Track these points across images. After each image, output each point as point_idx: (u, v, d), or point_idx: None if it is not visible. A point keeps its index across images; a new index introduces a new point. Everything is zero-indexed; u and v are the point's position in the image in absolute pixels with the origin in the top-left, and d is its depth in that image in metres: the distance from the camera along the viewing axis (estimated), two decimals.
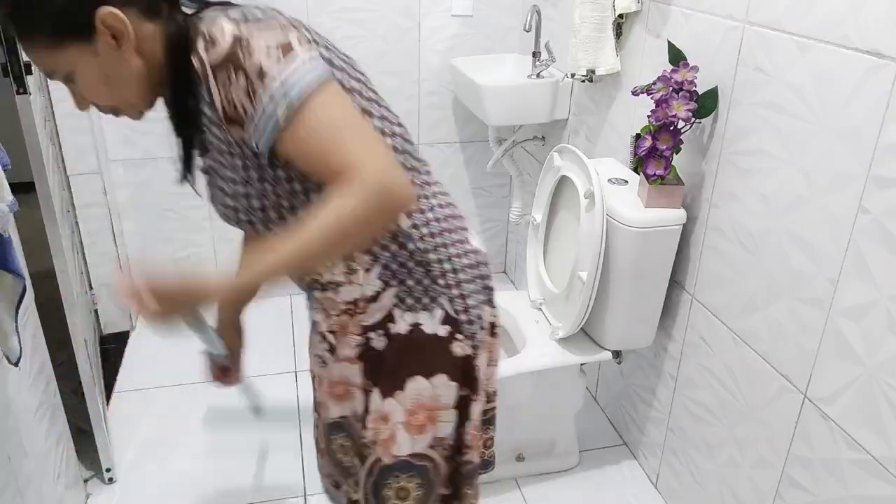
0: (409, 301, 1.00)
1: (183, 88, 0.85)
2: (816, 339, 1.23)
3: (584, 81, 1.93)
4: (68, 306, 1.59)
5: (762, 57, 1.31)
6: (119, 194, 2.37)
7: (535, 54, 2.19)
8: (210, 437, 2.00)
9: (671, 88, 1.44)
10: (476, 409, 1.07)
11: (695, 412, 1.63)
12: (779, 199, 1.30)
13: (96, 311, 2.41)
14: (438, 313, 1.00)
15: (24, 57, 1.37)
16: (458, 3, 2.40)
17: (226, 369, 1.28)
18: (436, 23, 2.41)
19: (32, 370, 1.46)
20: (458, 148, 2.64)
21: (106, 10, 0.79)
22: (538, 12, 2.15)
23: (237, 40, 0.78)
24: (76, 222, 2.26)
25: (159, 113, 0.94)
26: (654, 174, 1.50)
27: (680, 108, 1.43)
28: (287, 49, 0.80)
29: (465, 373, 1.04)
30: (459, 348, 1.02)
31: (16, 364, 1.28)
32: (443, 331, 1.01)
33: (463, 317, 1.02)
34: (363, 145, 0.82)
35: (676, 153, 1.50)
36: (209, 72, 0.79)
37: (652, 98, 1.47)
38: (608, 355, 1.70)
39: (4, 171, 1.22)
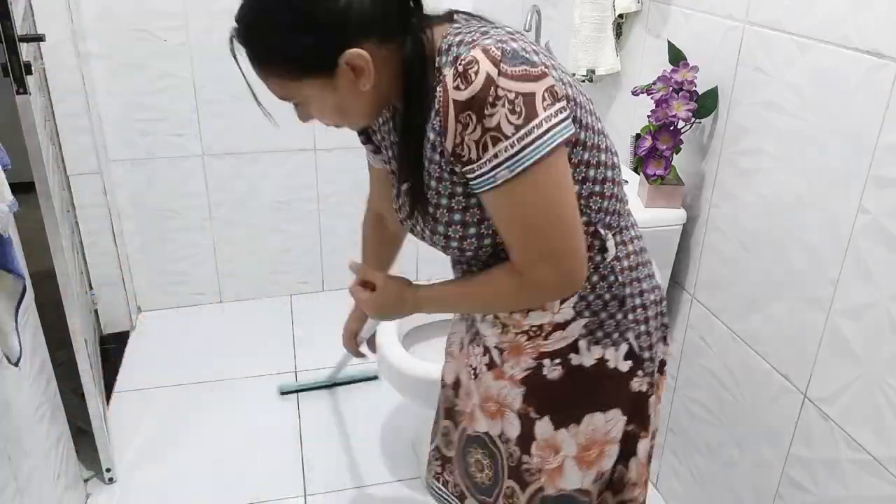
0: (599, 334, 0.97)
1: (415, 107, 0.83)
2: (816, 339, 1.23)
3: (584, 81, 1.93)
4: (68, 306, 1.59)
5: (762, 57, 1.31)
6: (119, 194, 2.37)
7: None
8: (210, 437, 2.00)
9: (671, 88, 1.44)
10: (643, 446, 1.06)
11: (695, 412, 1.63)
12: (779, 199, 1.30)
13: (96, 311, 2.41)
14: (623, 348, 0.98)
15: (25, 57, 1.37)
16: (458, 4, 2.40)
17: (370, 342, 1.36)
18: None
19: (32, 370, 1.46)
20: None
21: (353, 52, 0.78)
22: (538, 12, 2.15)
23: (489, 84, 0.76)
24: (76, 222, 2.26)
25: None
26: (654, 174, 1.50)
27: (680, 108, 1.43)
28: (530, 107, 0.77)
29: (637, 408, 1.03)
30: (638, 384, 1.01)
31: (16, 364, 1.28)
32: (625, 366, 0.99)
33: (646, 354, 1.01)
34: (563, 243, 0.85)
35: (676, 153, 1.50)
36: (451, 107, 0.78)
37: (652, 98, 1.47)
38: None
39: (4, 171, 1.22)
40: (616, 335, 0.98)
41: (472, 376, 1.07)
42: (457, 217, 0.89)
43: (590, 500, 1.05)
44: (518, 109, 0.77)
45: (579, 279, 0.89)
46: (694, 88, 1.43)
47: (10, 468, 1.27)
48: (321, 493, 1.82)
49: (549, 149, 0.79)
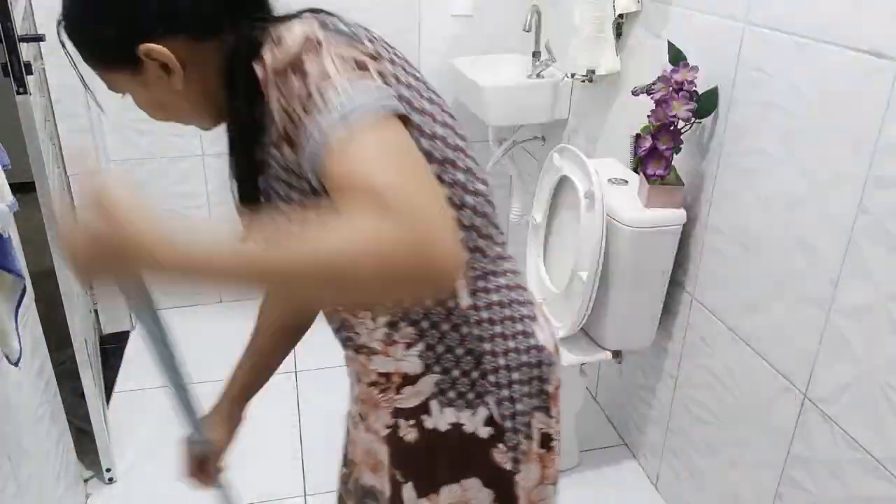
0: (451, 394, 0.85)
1: (244, 103, 0.73)
2: (816, 339, 1.23)
3: (584, 81, 1.93)
4: (68, 306, 1.59)
5: (762, 57, 1.31)
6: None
7: (535, 54, 2.19)
8: None
9: (671, 88, 1.44)
10: None
11: (695, 412, 1.63)
12: (779, 199, 1.30)
13: (96, 311, 2.41)
14: (482, 412, 0.85)
15: (25, 57, 1.37)
16: (458, 3, 2.40)
17: (204, 463, 1.07)
18: (436, 23, 2.41)
19: (32, 370, 1.46)
20: None
21: (147, 47, 0.72)
22: (538, 12, 2.15)
23: (307, 40, 0.66)
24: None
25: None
26: (654, 174, 1.50)
27: (680, 108, 1.43)
28: (362, 67, 0.67)
29: (501, 485, 0.89)
30: (500, 457, 0.88)
31: (16, 364, 1.28)
32: (484, 432, 0.86)
33: (508, 423, 0.87)
34: (418, 190, 0.60)
35: (676, 153, 1.50)
36: (270, 77, 0.68)
37: (652, 98, 1.47)
38: (608, 355, 1.70)
39: (4, 171, 1.22)
40: (471, 396, 0.85)
41: (354, 426, 0.99)
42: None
43: None
44: (347, 63, 0.66)
45: (452, 237, 0.58)
46: (694, 88, 1.43)
47: (10, 468, 1.27)
48: (321, 493, 1.82)
49: (387, 102, 0.65)
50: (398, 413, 0.88)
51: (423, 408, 0.86)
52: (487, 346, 0.84)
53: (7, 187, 1.21)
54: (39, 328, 1.56)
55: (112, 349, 2.38)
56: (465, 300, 0.82)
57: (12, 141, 1.41)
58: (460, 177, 0.78)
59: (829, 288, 1.19)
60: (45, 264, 1.55)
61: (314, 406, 2.13)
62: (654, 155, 1.49)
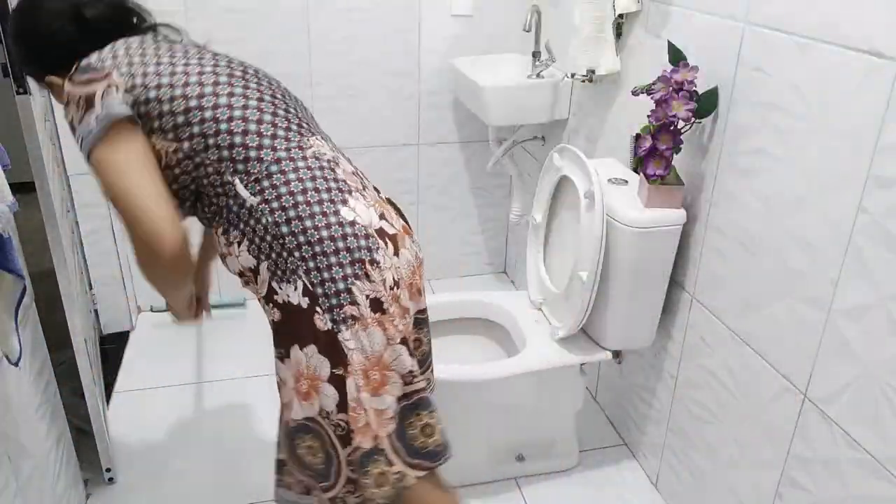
0: (279, 273, 1.05)
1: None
2: (816, 339, 1.23)
3: (584, 81, 1.93)
4: (68, 306, 1.59)
5: (762, 57, 1.31)
6: None
7: (535, 54, 2.19)
8: (210, 436, 2.00)
9: (671, 88, 1.44)
10: (351, 386, 1.04)
11: (695, 412, 1.63)
12: (779, 199, 1.30)
13: (96, 311, 2.41)
14: (300, 284, 1.04)
15: None
16: (458, 3, 2.40)
17: (196, 305, 1.44)
18: (436, 23, 2.41)
19: (32, 370, 1.46)
20: (458, 148, 2.64)
21: (47, 78, 1.17)
22: (538, 12, 2.15)
23: (69, 93, 1.06)
24: (76, 222, 2.26)
25: None
26: (654, 174, 1.50)
27: (680, 108, 1.43)
28: (89, 102, 1.03)
29: (330, 347, 1.04)
30: (320, 322, 1.03)
31: (16, 364, 1.28)
32: (304, 303, 1.04)
33: (319, 290, 1.03)
34: (134, 212, 1.02)
35: (676, 153, 1.50)
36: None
37: (652, 98, 1.47)
38: (608, 355, 1.70)
39: (4, 171, 1.22)
40: (289, 273, 1.05)
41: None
42: None
43: (325, 432, 1.08)
44: (80, 105, 1.03)
45: (160, 240, 1.02)
46: (694, 88, 1.43)
47: (10, 468, 1.27)
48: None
49: (100, 134, 1.01)
50: (265, 301, 1.09)
51: (271, 290, 1.07)
52: (285, 229, 1.05)
53: (7, 187, 1.21)
54: (39, 328, 1.56)
55: (112, 349, 2.38)
56: (250, 199, 1.06)
57: (12, 141, 1.41)
58: (208, 114, 1.07)
59: (829, 288, 1.19)
60: (45, 264, 1.55)
61: None
62: (654, 155, 1.49)
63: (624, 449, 1.98)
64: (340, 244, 1.05)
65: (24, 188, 1.44)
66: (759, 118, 1.33)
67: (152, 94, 1.05)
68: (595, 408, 2.14)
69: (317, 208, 1.05)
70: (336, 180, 1.10)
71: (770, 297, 1.34)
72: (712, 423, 1.57)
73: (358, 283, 1.04)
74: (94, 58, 1.07)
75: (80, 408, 1.73)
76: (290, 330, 1.06)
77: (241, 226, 1.07)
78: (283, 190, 1.06)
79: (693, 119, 1.44)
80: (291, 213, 1.05)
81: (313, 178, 1.08)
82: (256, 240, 1.06)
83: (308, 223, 1.04)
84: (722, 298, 1.50)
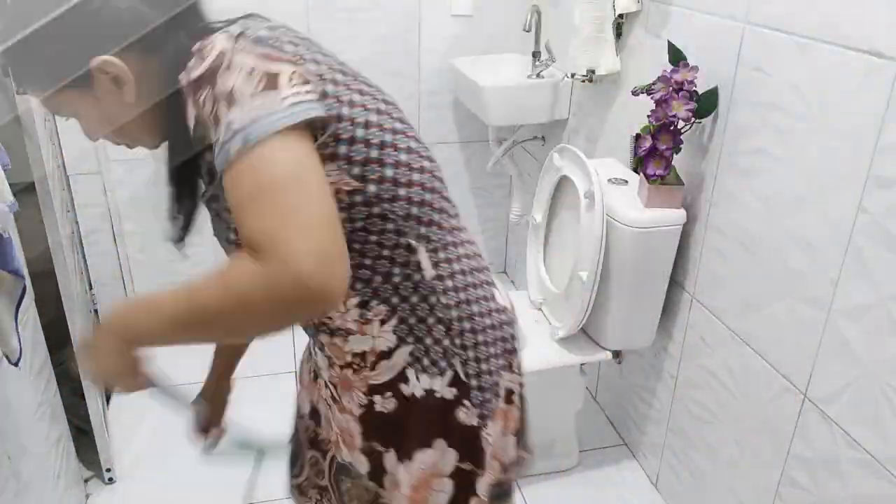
0: (426, 362, 0.88)
1: (171, 116, 0.76)
2: (816, 339, 1.23)
3: (584, 81, 1.93)
4: (68, 306, 1.59)
5: (762, 57, 1.31)
6: (119, 194, 2.37)
7: (535, 54, 2.19)
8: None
9: (671, 88, 1.44)
10: (482, 484, 0.95)
11: (695, 412, 1.63)
12: (779, 199, 1.30)
13: (96, 311, 2.41)
14: (448, 374, 0.89)
15: None
16: (458, 4, 2.40)
17: (207, 423, 1.24)
18: (436, 23, 2.41)
19: (32, 370, 1.46)
20: (458, 148, 2.64)
21: (100, 59, 0.74)
22: (538, 12, 2.15)
23: (221, 55, 0.70)
24: (76, 222, 2.26)
25: None
26: (654, 174, 1.50)
27: (680, 108, 1.43)
28: (272, 81, 0.69)
29: (466, 443, 0.92)
30: (464, 415, 0.90)
31: (16, 364, 1.28)
32: (449, 394, 0.89)
33: (474, 382, 0.91)
34: (299, 232, 0.64)
35: (676, 153, 1.50)
36: (188, 94, 0.71)
37: (652, 98, 1.47)
38: (608, 355, 1.70)
39: (4, 171, 1.22)
40: (443, 363, 0.89)
41: (328, 406, 1.02)
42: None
43: None
44: (256, 80, 0.68)
45: (328, 273, 0.64)
46: (694, 88, 1.43)
47: (9, 468, 1.27)
48: None
49: (290, 122, 0.67)
50: (373, 390, 0.91)
51: (400, 377, 0.89)
52: (454, 313, 0.88)
53: (7, 187, 1.21)
54: (39, 328, 1.56)
55: None
56: (429, 272, 0.86)
57: (12, 141, 1.41)
58: (403, 157, 0.81)
59: (829, 288, 1.19)
60: (44, 264, 1.55)
61: None
62: (654, 155, 1.49)
63: (624, 449, 1.98)
64: (498, 333, 0.94)
65: (24, 188, 1.44)
66: (759, 118, 1.33)
67: (345, 110, 0.76)
68: (595, 408, 2.14)
69: (480, 292, 0.92)
70: (480, 256, 0.95)
71: (770, 297, 1.34)
72: (712, 423, 1.57)
73: (504, 374, 0.95)
74: (261, 31, 0.75)
75: (80, 408, 1.73)
76: (422, 427, 0.91)
77: (396, 300, 0.85)
78: (457, 267, 0.89)
79: (693, 119, 1.44)
80: (462, 296, 0.89)
81: (471, 256, 0.92)
82: (412, 320, 0.86)
83: (475, 308, 0.91)
84: (722, 298, 1.50)
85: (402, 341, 0.87)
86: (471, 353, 0.91)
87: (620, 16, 1.76)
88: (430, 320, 0.87)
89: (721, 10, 1.41)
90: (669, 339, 1.71)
